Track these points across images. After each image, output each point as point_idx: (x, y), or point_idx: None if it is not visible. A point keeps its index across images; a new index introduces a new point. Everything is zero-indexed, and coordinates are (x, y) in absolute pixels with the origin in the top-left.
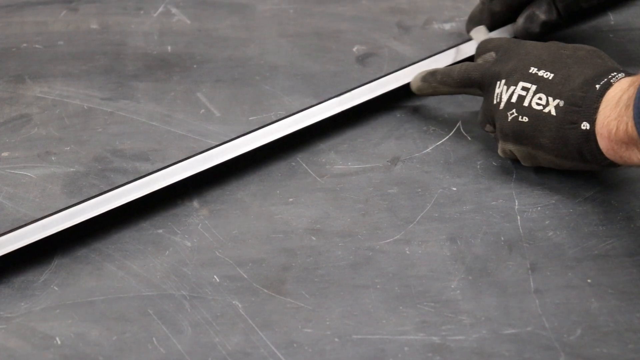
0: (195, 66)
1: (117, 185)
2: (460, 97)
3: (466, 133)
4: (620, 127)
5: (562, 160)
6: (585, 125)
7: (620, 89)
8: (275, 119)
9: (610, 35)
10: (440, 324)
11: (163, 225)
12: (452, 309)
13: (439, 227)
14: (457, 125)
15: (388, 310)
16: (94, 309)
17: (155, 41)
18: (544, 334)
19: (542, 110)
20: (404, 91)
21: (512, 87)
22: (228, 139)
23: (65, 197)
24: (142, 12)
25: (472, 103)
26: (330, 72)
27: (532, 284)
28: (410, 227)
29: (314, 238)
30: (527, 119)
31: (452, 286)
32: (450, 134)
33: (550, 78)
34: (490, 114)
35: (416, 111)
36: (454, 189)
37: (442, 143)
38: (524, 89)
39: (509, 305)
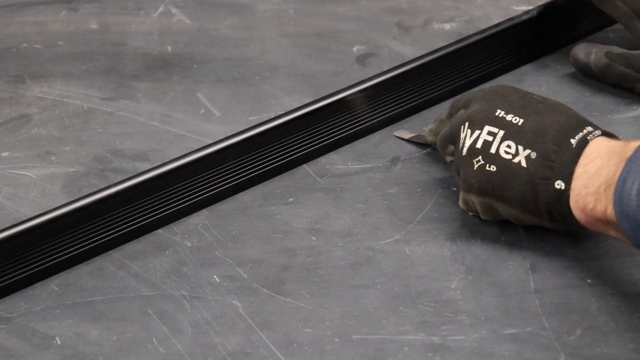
0: (195, 66)
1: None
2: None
3: None
4: (598, 206)
5: (528, 216)
6: (559, 185)
7: (598, 153)
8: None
9: (611, 36)
10: (440, 324)
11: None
12: (452, 309)
13: (439, 227)
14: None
15: (388, 310)
16: (94, 309)
17: (155, 41)
18: (544, 334)
19: (511, 160)
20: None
21: (477, 132)
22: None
23: (65, 197)
24: (142, 12)
25: None
26: (330, 72)
27: (532, 284)
28: (410, 227)
29: (314, 238)
30: (495, 168)
31: (452, 286)
32: None
33: (519, 124)
34: (457, 162)
35: (416, 111)
36: (454, 189)
37: None
38: (490, 133)
39: (509, 305)
